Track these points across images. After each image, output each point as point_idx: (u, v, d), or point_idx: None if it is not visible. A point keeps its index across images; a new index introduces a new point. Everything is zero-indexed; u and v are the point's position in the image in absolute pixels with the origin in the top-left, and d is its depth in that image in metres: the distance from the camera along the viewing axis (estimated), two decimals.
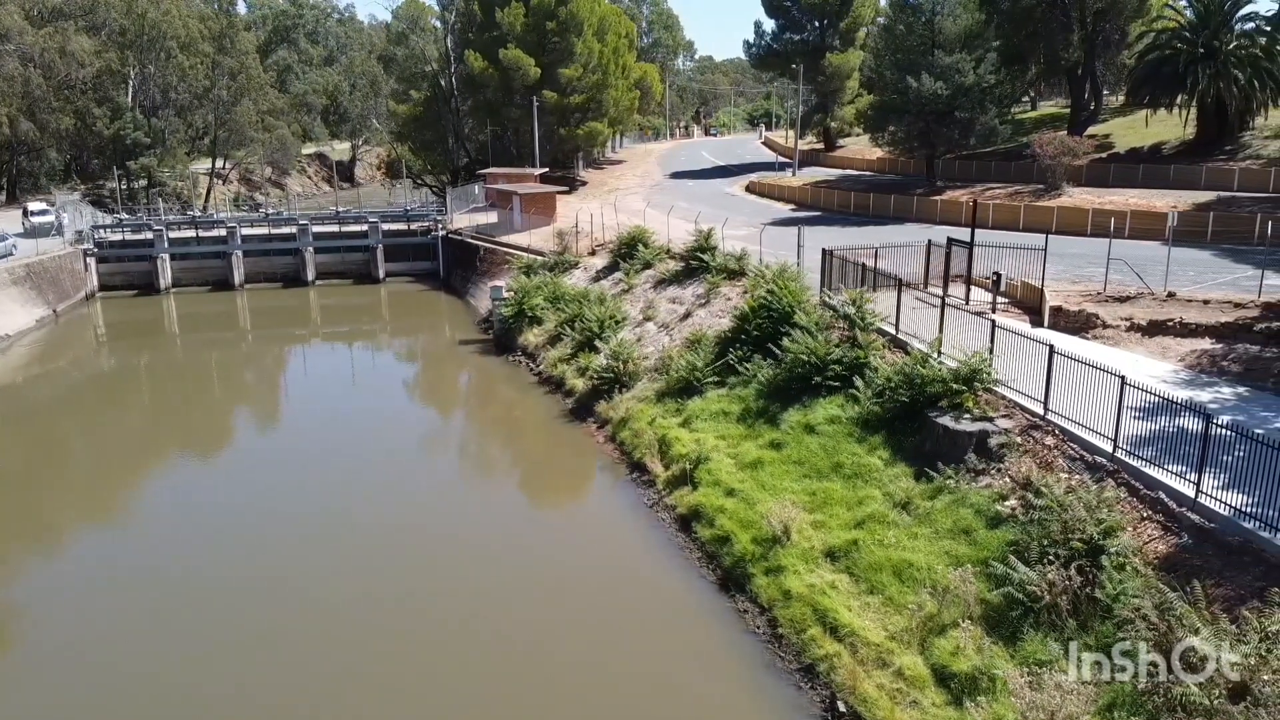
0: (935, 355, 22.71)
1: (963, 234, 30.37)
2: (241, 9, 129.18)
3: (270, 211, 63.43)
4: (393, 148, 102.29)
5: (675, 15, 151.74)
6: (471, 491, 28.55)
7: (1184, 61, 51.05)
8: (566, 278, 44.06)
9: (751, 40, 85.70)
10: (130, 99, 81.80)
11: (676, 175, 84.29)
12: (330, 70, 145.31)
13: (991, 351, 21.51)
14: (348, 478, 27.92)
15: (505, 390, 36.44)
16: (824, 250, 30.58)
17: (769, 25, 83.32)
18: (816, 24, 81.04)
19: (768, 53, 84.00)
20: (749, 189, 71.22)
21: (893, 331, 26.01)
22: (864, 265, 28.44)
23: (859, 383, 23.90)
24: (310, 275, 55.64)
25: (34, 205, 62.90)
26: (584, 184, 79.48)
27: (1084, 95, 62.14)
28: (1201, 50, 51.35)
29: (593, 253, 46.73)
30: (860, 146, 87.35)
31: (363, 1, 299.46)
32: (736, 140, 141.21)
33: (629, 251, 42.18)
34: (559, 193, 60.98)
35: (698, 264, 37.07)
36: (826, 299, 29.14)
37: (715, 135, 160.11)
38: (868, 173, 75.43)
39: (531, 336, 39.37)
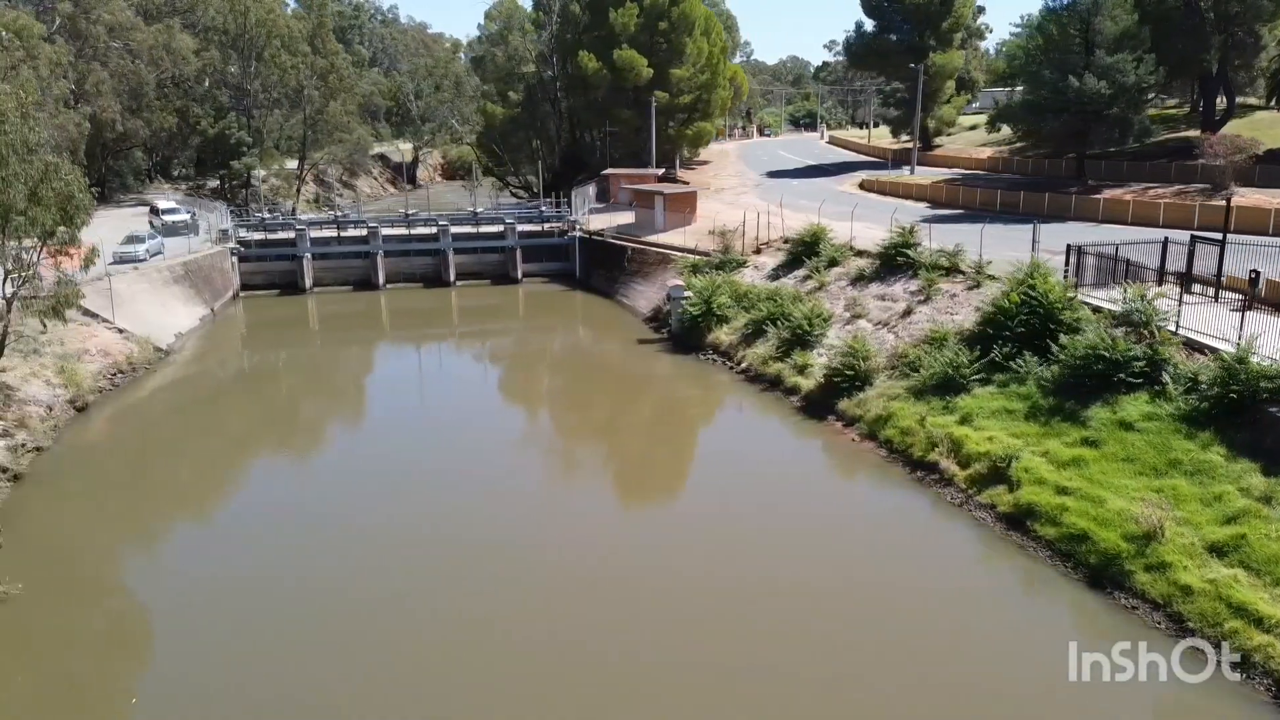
0: (1248, 352, 22.82)
1: (1130, 233, 30.88)
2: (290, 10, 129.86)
3: (409, 212, 63.65)
4: (473, 148, 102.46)
5: (734, 16, 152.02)
6: (753, 495, 26.14)
7: None
8: (738, 276, 44.15)
9: (851, 39, 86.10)
10: (230, 98, 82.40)
11: (773, 174, 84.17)
12: (378, 71, 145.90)
13: None
14: (608, 477, 28.02)
15: (717, 389, 36.24)
16: (1069, 246, 30.74)
17: (868, 25, 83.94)
18: (915, 25, 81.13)
19: (867, 51, 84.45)
20: (863, 187, 70.95)
21: (1171, 329, 26.13)
22: (1129, 262, 28.54)
23: (1166, 379, 24.01)
24: (452, 275, 55.94)
25: (163, 204, 63.24)
26: (685, 184, 79.53)
27: (1214, 97, 61.93)
28: None
29: (758, 251, 46.84)
30: (960, 145, 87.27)
31: (424, 5, 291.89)
32: (794, 140, 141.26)
33: (809, 249, 42.31)
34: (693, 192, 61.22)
35: (903, 260, 37.16)
36: (1082, 296, 29.30)
37: (769, 135, 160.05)
38: (980, 171, 75.20)
39: (722, 335, 39.42)
